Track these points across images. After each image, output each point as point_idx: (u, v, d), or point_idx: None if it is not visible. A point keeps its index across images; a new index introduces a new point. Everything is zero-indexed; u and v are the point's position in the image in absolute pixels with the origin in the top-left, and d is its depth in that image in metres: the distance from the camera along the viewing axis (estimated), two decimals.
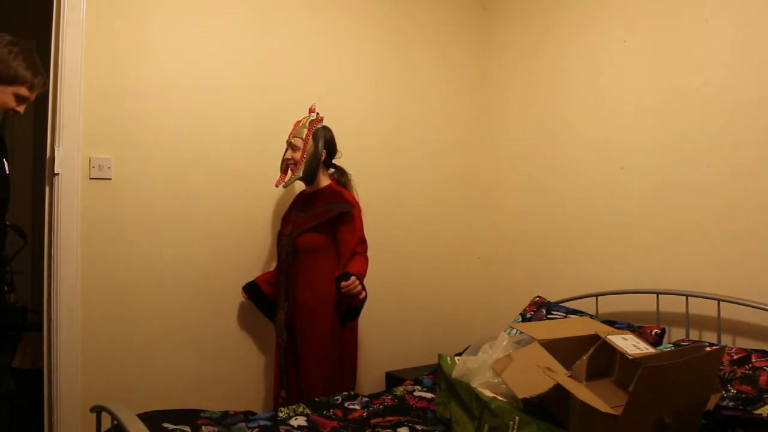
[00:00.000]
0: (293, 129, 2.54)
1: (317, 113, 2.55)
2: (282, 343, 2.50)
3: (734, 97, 2.31)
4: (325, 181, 2.54)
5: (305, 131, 2.49)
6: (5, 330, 2.10)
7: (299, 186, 2.65)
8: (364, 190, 2.99)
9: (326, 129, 2.53)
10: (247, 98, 2.71)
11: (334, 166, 2.61)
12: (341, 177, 2.61)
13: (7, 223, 2.07)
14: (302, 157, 2.46)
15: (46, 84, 2.01)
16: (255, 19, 2.73)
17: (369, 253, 2.86)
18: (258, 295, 2.62)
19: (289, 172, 2.51)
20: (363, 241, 2.47)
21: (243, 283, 2.67)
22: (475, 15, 3.40)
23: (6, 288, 2.10)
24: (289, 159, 2.50)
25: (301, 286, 2.44)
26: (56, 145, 2.29)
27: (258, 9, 2.74)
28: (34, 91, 1.95)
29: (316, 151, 2.46)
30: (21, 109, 1.95)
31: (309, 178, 2.48)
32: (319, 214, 2.44)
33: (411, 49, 3.18)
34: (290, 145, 2.50)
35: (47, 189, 2.32)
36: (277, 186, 2.54)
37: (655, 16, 2.57)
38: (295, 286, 2.46)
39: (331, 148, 2.55)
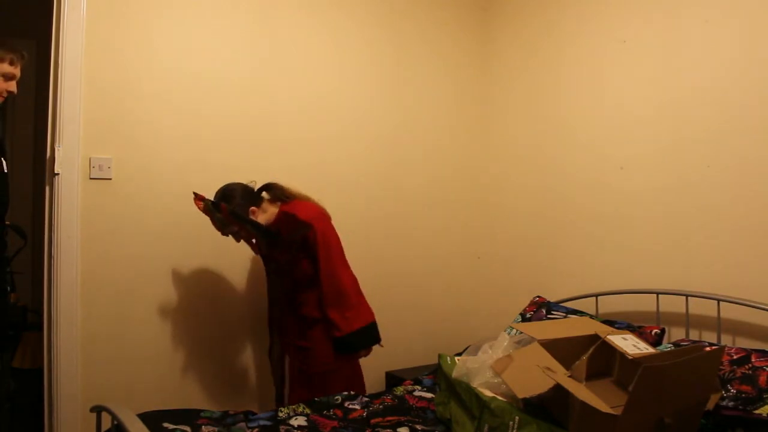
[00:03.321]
0: (212, 221, 2.35)
1: (204, 198, 2.31)
2: (276, 378, 2.49)
3: (734, 98, 2.31)
4: (272, 211, 2.39)
5: (224, 221, 2.31)
6: (6, 330, 2.10)
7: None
8: (364, 191, 3.00)
9: (225, 199, 2.31)
10: (247, 98, 2.71)
11: (261, 190, 2.43)
12: (278, 194, 2.41)
13: (7, 223, 2.07)
14: (247, 232, 2.35)
15: (24, 56, 2.00)
16: (255, 19, 2.74)
17: (370, 254, 2.87)
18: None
19: (254, 242, 2.45)
20: (333, 258, 2.30)
21: (242, 282, 2.67)
22: (475, 15, 3.40)
23: (8, 288, 2.10)
24: (246, 240, 2.41)
25: (289, 320, 2.40)
26: (56, 145, 2.29)
27: (258, 9, 2.74)
28: (17, 65, 1.95)
29: (250, 222, 2.31)
30: (13, 87, 1.96)
31: (271, 235, 2.35)
32: (289, 247, 2.32)
33: (411, 49, 3.18)
34: (230, 234, 2.37)
35: (47, 189, 2.32)
36: (256, 254, 2.51)
37: (655, 16, 2.57)
38: (292, 317, 2.40)
39: (247, 196, 2.35)
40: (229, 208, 2.29)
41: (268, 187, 2.44)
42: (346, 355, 2.33)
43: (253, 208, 2.36)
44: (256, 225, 2.34)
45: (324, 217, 2.38)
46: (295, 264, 2.34)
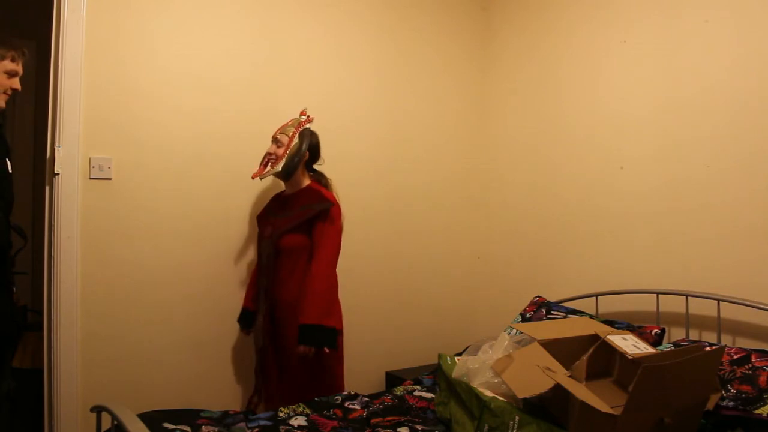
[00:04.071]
0: (281, 127, 2.54)
1: (308, 116, 2.55)
2: (258, 346, 2.50)
3: (734, 97, 2.31)
4: (305, 182, 2.52)
5: (292, 129, 2.49)
6: (12, 329, 2.11)
7: (280, 186, 2.63)
8: (364, 191, 3.00)
9: (313, 133, 2.53)
10: (247, 98, 2.71)
11: (315, 171, 2.59)
12: (321, 179, 2.58)
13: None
14: (284, 153, 2.45)
15: (25, 53, 2.02)
16: (254, 18, 2.74)
17: (369, 254, 2.86)
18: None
19: (269, 166, 2.49)
20: (333, 251, 2.39)
21: (242, 283, 2.68)
22: (475, 15, 3.40)
23: (15, 289, 2.11)
24: (271, 154, 2.48)
25: (285, 287, 2.42)
26: (56, 145, 2.29)
27: (257, 9, 2.74)
28: (18, 62, 1.97)
29: (299, 149, 2.45)
30: (17, 84, 1.98)
31: (287, 174, 2.45)
32: (299, 215, 2.41)
33: (411, 49, 3.18)
34: (275, 140, 2.49)
35: (47, 189, 2.32)
36: (253, 178, 2.51)
37: (655, 16, 2.57)
38: (277, 288, 2.44)
39: (314, 152, 2.53)
40: (306, 128, 2.50)
41: (319, 172, 2.59)
42: (304, 344, 2.27)
43: (307, 156, 2.50)
44: (299, 153, 2.45)
45: (341, 215, 2.47)
46: (293, 232, 2.39)
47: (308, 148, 2.48)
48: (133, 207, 2.46)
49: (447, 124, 3.31)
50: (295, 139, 2.47)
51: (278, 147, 2.47)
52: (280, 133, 2.50)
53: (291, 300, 2.40)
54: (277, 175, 2.47)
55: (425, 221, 3.24)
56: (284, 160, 2.44)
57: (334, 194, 2.52)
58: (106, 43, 2.40)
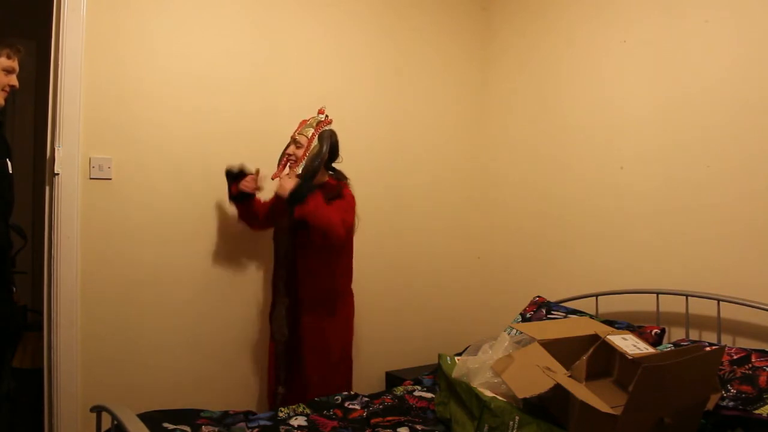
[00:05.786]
0: (299, 127, 2.52)
1: (326, 115, 2.54)
2: (282, 339, 2.49)
3: (734, 97, 2.31)
4: (323, 179, 2.52)
5: (311, 130, 2.47)
6: (12, 329, 2.11)
7: None
8: (364, 190, 2.99)
9: (333, 132, 2.51)
10: (247, 98, 2.71)
11: (333, 169, 2.59)
12: (342, 179, 2.59)
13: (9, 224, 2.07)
14: (304, 154, 2.44)
15: (20, 49, 2.03)
16: (255, 19, 2.73)
17: (369, 254, 2.85)
18: (237, 178, 2.52)
19: (287, 168, 2.48)
20: (348, 212, 2.42)
21: (242, 282, 2.68)
22: (475, 15, 3.40)
23: (15, 289, 2.11)
24: (290, 154, 2.47)
25: (302, 283, 2.43)
26: (56, 145, 2.29)
27: (257, 9, 2.74)
28: (14, 58, 1.98)
29: (320, 151, 2.43)
30: (15, 81, 1.99)
31: (308, 177, 2.43)
32: None
33: (411, 49, 3.18)
34: (294, 141, 2.48)
35: (47, 189, 2.32)
36: (273, 179, 2.50)
37: (655, 16, 2.57)
38: (296, 282, 2.45)
39: (333, 151, 2.52)
40: (326, 128, 2.48)
41: (338, 171, 2.59)
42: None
43: (326, 156, 2.46)
44: (319, 155, 2.42)
45: (355, 204, 2.50)
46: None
47: (329, 153, 2.46)
48: (133, 207, 2.46)
49: (447, 124, 3.31)
50: (315, 141, 2.45)
51: (297, 148, 2.46)
52: (299, 133, 2.48)
53: (308, 295, 2.41)
54: (298, 177, 2.44)
55: (425, 221, 3.24)
56: (304, 162, 2.43)
57: (351, 192, 2.53)
58: (106, 43, 2.39)
